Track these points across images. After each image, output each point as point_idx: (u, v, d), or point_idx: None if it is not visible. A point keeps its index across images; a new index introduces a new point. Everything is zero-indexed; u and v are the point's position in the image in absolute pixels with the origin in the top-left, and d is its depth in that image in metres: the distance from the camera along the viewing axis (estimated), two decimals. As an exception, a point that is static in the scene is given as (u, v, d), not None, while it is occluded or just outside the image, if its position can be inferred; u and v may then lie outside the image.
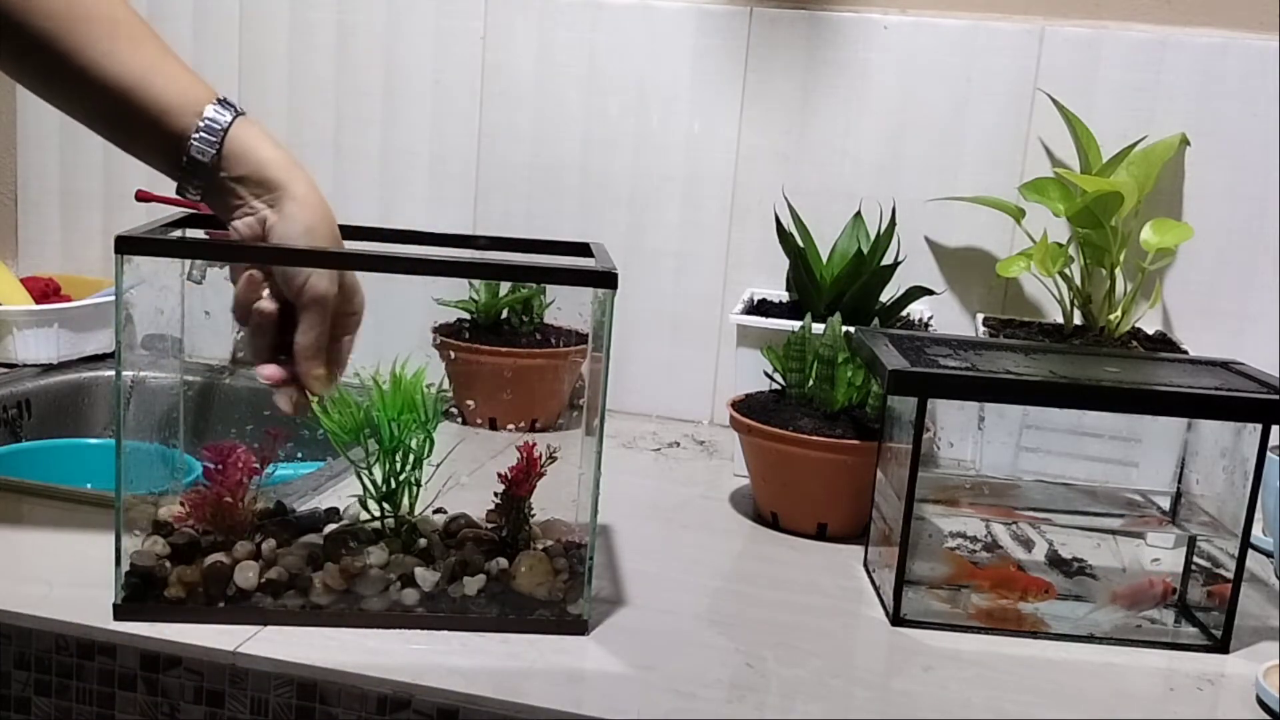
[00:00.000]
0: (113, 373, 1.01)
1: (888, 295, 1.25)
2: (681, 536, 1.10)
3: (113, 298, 1.00)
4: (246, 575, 0.84)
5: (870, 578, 1.02)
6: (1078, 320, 1.28)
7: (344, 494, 1.01)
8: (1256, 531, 0.98)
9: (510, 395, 1.34)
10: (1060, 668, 0.88)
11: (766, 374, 1.18)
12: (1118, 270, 1.26)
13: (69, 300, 1.53)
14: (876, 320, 1.19)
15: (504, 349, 1.32)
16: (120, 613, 0.83)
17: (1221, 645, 0.93)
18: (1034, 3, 1.32)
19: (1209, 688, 0.87)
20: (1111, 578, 0.99)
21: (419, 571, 0.86)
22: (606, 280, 0.84)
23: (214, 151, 0.82)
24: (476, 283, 1.38)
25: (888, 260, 1.26)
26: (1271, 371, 1.03)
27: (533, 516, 0.92)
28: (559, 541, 0.91)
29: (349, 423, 0.88)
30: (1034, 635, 0.93)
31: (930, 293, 1.27)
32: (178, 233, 0.89)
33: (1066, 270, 1.27)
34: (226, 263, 1.57)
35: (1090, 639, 0.93)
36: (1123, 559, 1.01)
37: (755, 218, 1.41)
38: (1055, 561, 1.02)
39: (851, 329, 1.10)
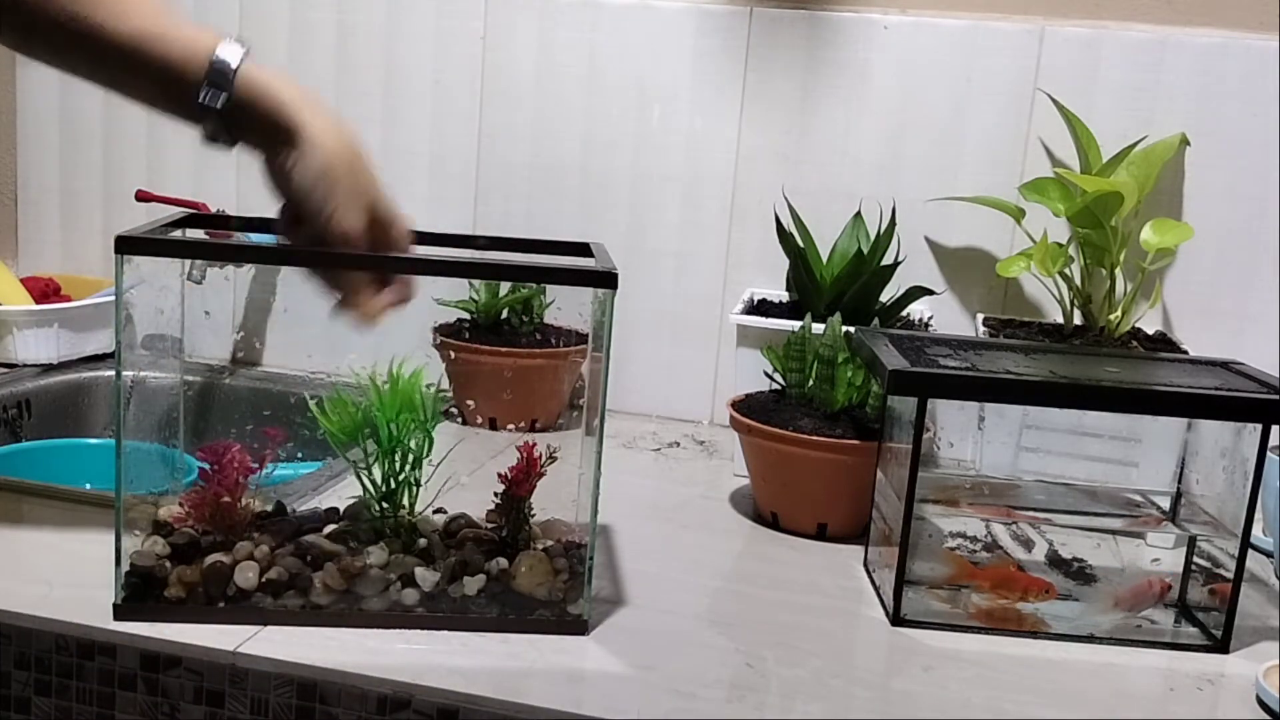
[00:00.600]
0: (113, 373, 1.01)
1: (888, 295, 1.25)
2: (681, 536, 1.10)
3: (113, 298, 1.00)
4: (246, 575, 0.84)
5: (870, 578, 1.02)
6: (1078, 320, 1.28)
7: (344, 494, 1.02)
8: (1256, 531, 0.98)
9: (510, 395, 1.34)
10: (1060, 668, 0.88)
11: (766, 374, 1.18)
12: (1118, 270, 1.26)
13: (69, 300, 1.53)
14: (876, 320, 1.19)
15: (504, 349, 1.32)
16: (120, 613, 0.83)
17: (1221, 645, 0.93)
18: (1034, 3, 1.32)
19: (1209, 688, 0.87)
20: (1111, 578, 0.99)
21: (419, 571, 0.86)
22: (606, 280, 0.84)
23: (225, 95, 0.80)
24: (476, 283, 1.38)
25: (888, 260, 1.26)
26: (1271, 371, 1.03)
27: (533, 516, 0.92)
28: (559, 541, 0.91)
29: (347, 424, 0.88)
30: (1034, 635, 0.93)
31: (930, 293, 1.27)
32: (178, 233, 0.89)
33: (1066, 270, 1.27)
34: (226, 263, 1.57)
35: (1090, 639, 0.93)
36: (1123, 559, 1.01)
37: (755, 218, 1.41)
38: (1055, 561, 1.02)
39: (851, 329, 1.10)
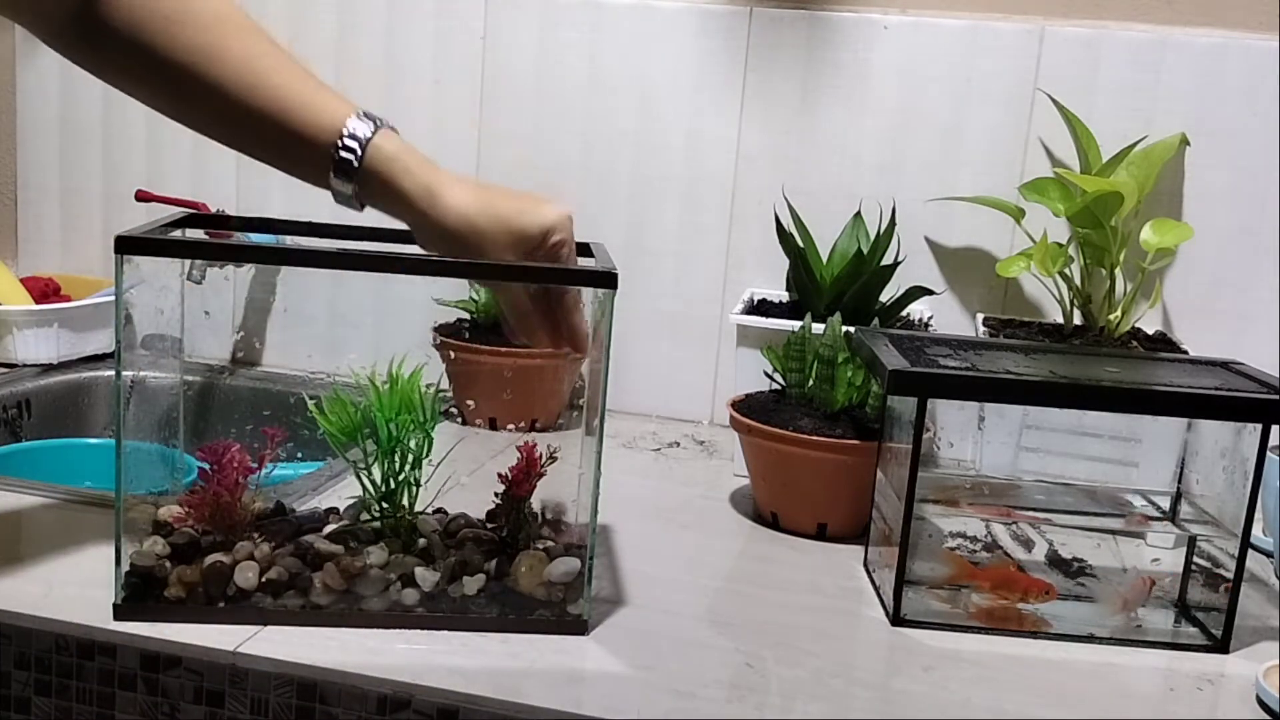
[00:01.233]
0: (113, 373, 1.01)
1: (888, 295, 1.25)
2: (681, 536, 1.10)
3: (113, 298, 1.00)
4: (246, 575, 0.84)
5: (870, 578, 1.02)
6: (1078, 320, 1.28)
7: (344, 494, 1.02)
8: (1256, 531, 0.98)
9: (510, 395, 1.34)
10: (1060, 668, 0.88)
11: (766, 374, 1.18)
12: (1118, 270, 1.26)
13: (69, 300, 1.53)
14: (876, 320, 1.19)
15: (504, 349, 1.32)
16: (120, 613, 0.83)
17: (1221, 645, 0.93)
18: (1034, 3, 1.32)
19: (1209, 688, 0.87)
20: (1111, 578, 0.99)
21: (419, 571, 0.86)
22: (606, 280, 0.84)
23: (356, 166, 0.82)
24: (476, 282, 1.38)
25: (888, 260, 1.26)
26: (1271, 371, 1.03)
27: (537, 521, 0.92)
28: (559, 541, 0.91)
29: (346, 424, 0.88)
30: (1034, 635, 0.93)
31: (930, 293, 1.27)
32: (178, 233, 0.89)
33: (1066, 270, 1.27)
34: (226, 263, 1.57)
35: (1090, 639, 0.93)
36: (1123, 559, 1.01)
37: (755, 218, 1.41)
38: (1055, 562, 1.02)
39: (851, 329, 1.10)
